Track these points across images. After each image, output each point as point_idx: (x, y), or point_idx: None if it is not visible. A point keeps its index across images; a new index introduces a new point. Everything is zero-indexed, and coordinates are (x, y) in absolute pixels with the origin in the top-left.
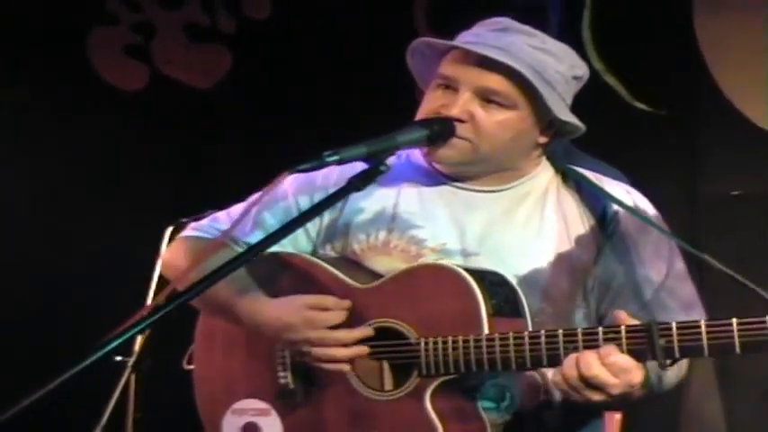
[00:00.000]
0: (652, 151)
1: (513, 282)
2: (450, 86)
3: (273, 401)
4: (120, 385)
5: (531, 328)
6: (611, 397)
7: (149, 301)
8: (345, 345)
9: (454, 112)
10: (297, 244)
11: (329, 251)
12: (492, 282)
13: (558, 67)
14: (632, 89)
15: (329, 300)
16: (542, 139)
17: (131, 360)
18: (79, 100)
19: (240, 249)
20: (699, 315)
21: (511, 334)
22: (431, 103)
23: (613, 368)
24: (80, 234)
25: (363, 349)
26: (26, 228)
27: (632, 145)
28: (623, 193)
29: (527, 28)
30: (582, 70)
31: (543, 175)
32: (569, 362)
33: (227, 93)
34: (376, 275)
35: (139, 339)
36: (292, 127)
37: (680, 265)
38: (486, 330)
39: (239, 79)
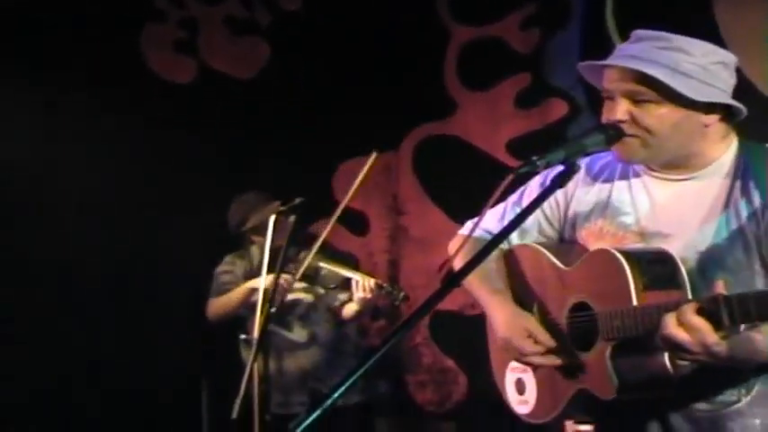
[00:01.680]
0: None
1: (687, 256)
2: (611, 97)
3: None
4: (251, 361)
5: (690, 296)
6: (694, 354)
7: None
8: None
9: (617, 116)
10: (543, 232)
11: (568, 236)
12: (650, 260)
13: (689, 59)
14: None
15: (540, 334)
16: (708, 121)
17: (255, 337)
18: (134, 94)
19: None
20: None
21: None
22: (604, 114)
23: (686, 327)
24: (137, 223)
25: (554, 362)
26: (89, 215)
27: None
28: None
29: (656, 33)
30: (720, 56)
31: (727, 158)
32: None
33: (267, 82)
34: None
35: (258, 318)
36: (327, 113)
37: None
38: (634, 302)
39: (277, 68)
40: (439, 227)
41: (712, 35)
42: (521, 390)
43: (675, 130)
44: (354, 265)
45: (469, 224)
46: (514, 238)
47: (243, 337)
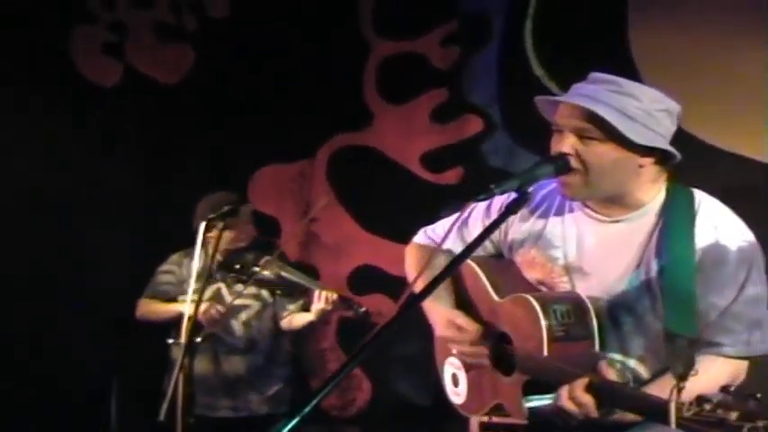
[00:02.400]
0: None
1: (600, 296)
2: (560, 130)
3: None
4: (178, 365)
5: (597, 348)
6: (580, 421)
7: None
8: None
9: (563, 149)
10: (485, 248)
11: (508, 255)
12: (564, 312)
13: (636, 103)
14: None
15: (462, 320)
16: (643, 162)
17: (182, 341)
18: (61, 95)
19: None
20: (759, 337)
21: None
22: (552, 146)
23: (575, 402)
24: (60, 222)
25: (482, 355)
26: (10, 221)
27: None
28: (710, 228)
29: (611, 77)
30: (665, 104)
31: (655, 204)
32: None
33: (191, 87)
34: (515, 287)
35: (186, 323)
36: (246, 120)
37: (753, 290)
38: (545, 352)
39: (201, 74)
40: (350, 235)
41: (625, 58)
42: (455, 383)
43: (613, 167)
44: (315, 276)
45: (422, 234)
46: (457, 248)
47: (171, 341)
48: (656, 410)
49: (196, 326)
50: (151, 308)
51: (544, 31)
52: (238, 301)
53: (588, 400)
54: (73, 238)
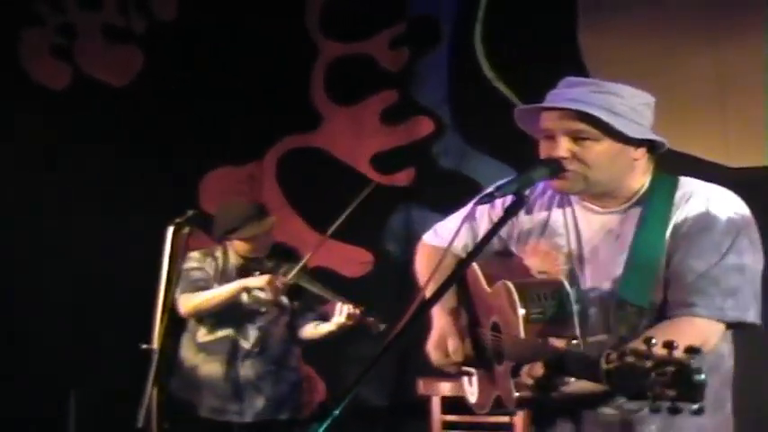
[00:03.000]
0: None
1: (599, 284)
2: (550, 136)
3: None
4: (153, 370)
5: (577, 331)
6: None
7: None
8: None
9: (560, 153)
10: (493, 246)
11: (515, 248)
12: (542, 295)
13: (620, 101)
14: (522, 95)
15: (452, 345)
16: (636, 155)
17: (156, 346)
18: (9, 97)
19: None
20: (732, 304)
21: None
22: (543, 151)
23: (533, 378)
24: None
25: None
26: None
27: (523, 147)
28: (702, 200)
29: (587, 80)
30: (644, 98)
31: (644, 192)
32: None
33: (140, 90)
34: (507, 277)
35: (157, 328)
36: (196, 122)
37: (736, 259)
38: (522, 334)
39: (150, 77)
40: (300, 236)
41: (575, 61)
42: (471, 382)
43: (611, 164)
44: (335, 288)
45: (432, 233)
46: (468, 244)
47: (144, 346)
48: (591, 368)
49: (169, 331)
50: (205, 295)
51: (494, 33)
52: (255, 306)
53: (541, 372)
54: (21, 243)
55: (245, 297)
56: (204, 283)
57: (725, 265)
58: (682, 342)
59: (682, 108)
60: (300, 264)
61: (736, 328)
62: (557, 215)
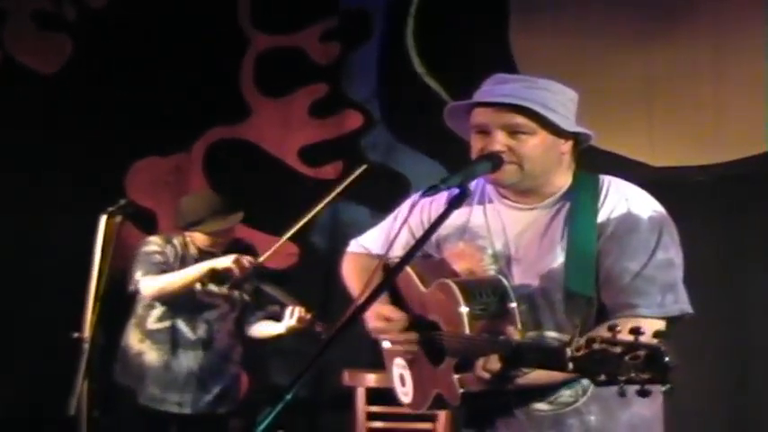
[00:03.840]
0: (469, 149)
1: (529, 281)
2: (484, 131)
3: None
4: (84, 359)
5: (518, 325)
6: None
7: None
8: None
9: (496, 147)
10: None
11: (436, 253)
12: (482, 292)
13: (551, 96)
14: (452, 91)
15: (388, 311)
16: (564, 149)
17: (87, 335)
18: None
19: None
20: (672, 299)
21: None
22: (477, 146)
23: (488, 371)
24: None
25: (412, 340)
26: None
27: (451, 143)
28: (621, 200)
29: (516, 76)
30: (569, 94)
31: (569, 188)
32: None
33: (68, 78)
34: (441, 277)
35: (89, 317)
36: (123, 112)
37: (664, 255)
38: (467, 330)
39: (78, 65)
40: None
41: (506, 58)
42: (403, 383)
43: (545, 157)
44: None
45: (354, 242)
46: (378, 249)
47: (75, 335)
48: (555, 357)
49: (99, 318)
50: (168, 278)
51: (425, 29)
52: (207, 299)
53: (498, 366)
54: None
55: (198, 286)
56: (166, 267)
57: (656, 263)
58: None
59: (609, 107)
60: (264, 255)
61: (677, 321)
62: (477, 217)
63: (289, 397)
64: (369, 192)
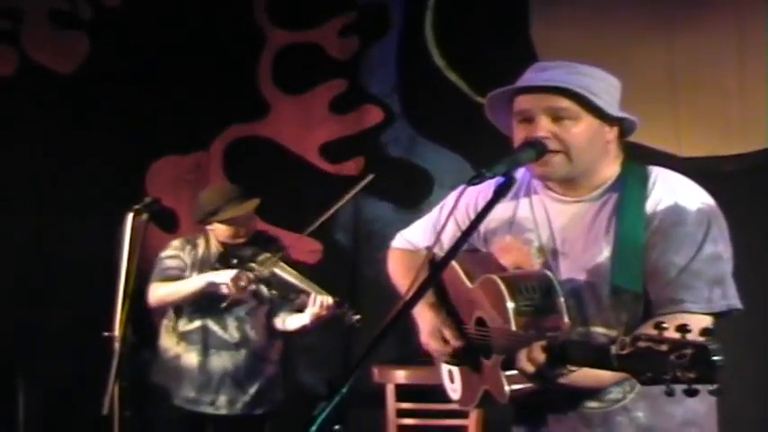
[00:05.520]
0: (491, 142)
1: (575, 276)
2: (527, 119)
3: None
4: (116, 357)
5: (566, 321)
6: (538, 383)
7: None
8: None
9: (540, 133)
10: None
11: (484, 247)
12: (529, 287)
13: (595, 82)
14: (473, 84)
15: (449, 336)
16: (610, 137)
17: (117, 334)
18: None
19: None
20: (720, 294)
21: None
22: (519, 136)
23: (533, 362)
24: None
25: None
26: None
27: (473, 137)
28: (669, 192)
29: (558, 62)
30: (613, 80)
31: (616, 179)
32: None
33: (86, 77)
34: (487, 272)
35: (118, 316)
36: (141, 111)
37: (712, 248)
38: (513, 326)
39: (96, 64)
40: None
41: (527, 50)
42: (452, 379)
43: (590, 144)
44: (311, 279)
45: (399, 237)
46: (424, 242)
47: (105, 334)
48: (600, 354)
49: (128, 317)
50: (170, 287)
51: (445, 22)
52: (238, 296)
53: (542, 357)
54: None
55: (224, 289)
56: (176, 272)
57: (704, 257)
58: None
59: (633, 98)
60: (273, 255)
61: (725, 316)
62: (523, 210)
63: (344, 391)
64: (391, 187)
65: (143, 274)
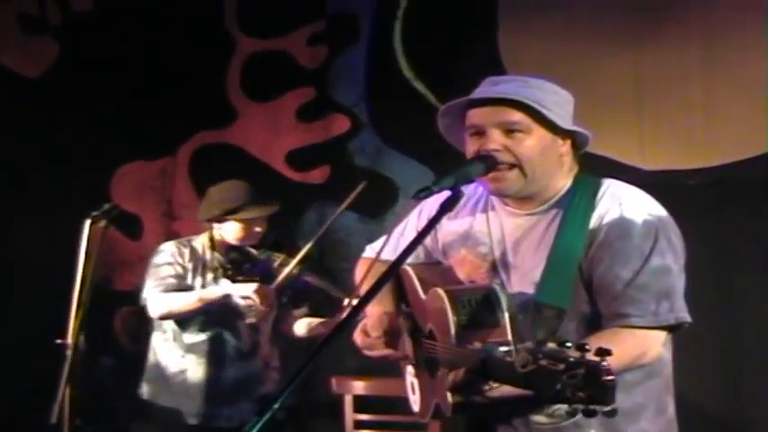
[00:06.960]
0: (458, 153)
1: (524, 288)
2: (479, 132)
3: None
4: (66, 366)
5: (509, 337)
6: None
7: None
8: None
9: (491, 146)
10: (419, 257)
11: (444, 260)
12: (472, 301)
13: (547, 95)
14: (440, 95)
15: (371, 329)
16: (563, 150)
17: (70, 342)
18: None
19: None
20: (667, 307)
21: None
22: (471, 149)
23: (458, 383)
24: None
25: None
26: None
27: (440, 147)
28: (615, 205)
29: (512, 77)
30: (565, 94)
31: (565, 192)
32: None
33: (54, 81)
34: (441, 284)
35: (72, 323)
36: (108, 116)
37: (659, 261)
38: (453, 340)
39: (64, 69)
40: None
41: (494, 62)
42: (413, 390)
43: (543, 157)
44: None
45: (369, 248)
46: (387, 254)
47: (58, 342)
48: (510, 371)
49: (82, 324)
50: (171, 301)
51: (413, 33)
52: (247, 303)
53: (461, 372)
54: None
55: (240, 301)
56: (177, 281)
57: (650, 270)
58: (619, 352)
59: (599, 110)
60: (297, 258)
61: (676, 330)
62: (479, 223)
63: (276, 407)
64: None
65: (106, 281)
